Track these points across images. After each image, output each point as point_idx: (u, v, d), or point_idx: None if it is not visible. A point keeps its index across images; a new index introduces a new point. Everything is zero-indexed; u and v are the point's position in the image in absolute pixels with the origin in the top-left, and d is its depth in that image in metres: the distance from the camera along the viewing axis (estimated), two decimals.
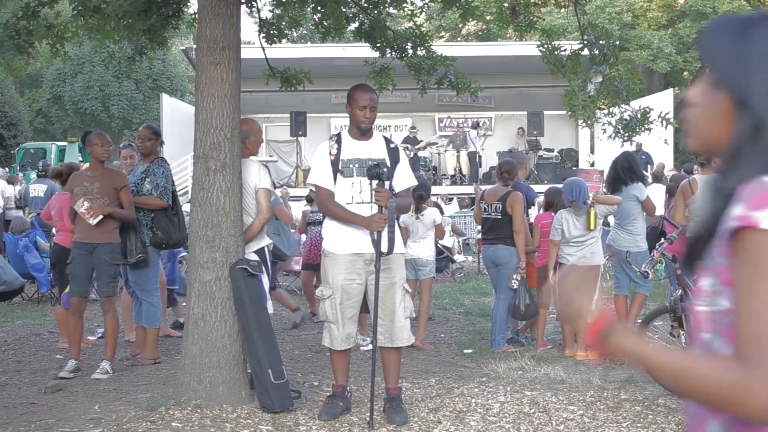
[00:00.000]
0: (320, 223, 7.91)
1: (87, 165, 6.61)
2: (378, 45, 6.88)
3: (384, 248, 4.58)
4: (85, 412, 4.91)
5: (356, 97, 4.80)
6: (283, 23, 6.96)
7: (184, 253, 7.89)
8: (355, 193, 4.71)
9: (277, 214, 7.34)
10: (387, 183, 4.66)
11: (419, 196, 7.09)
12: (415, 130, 19.46)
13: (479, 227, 7.21)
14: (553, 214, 6.88)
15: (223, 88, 4.99)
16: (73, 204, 5.93)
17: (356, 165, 4.72)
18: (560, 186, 7.65)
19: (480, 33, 31.42)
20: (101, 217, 5.80)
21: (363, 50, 7.55)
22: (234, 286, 4.95)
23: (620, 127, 6.62)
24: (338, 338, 4.75)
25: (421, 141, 18.75)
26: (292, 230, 8.69)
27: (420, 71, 6.99)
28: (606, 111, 6.87)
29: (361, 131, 4.84)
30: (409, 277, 7.09)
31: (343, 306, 4.72)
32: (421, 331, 7.01)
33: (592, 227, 6.51)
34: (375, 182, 4.58)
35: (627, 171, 6.92)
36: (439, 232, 7.56)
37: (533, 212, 8.69)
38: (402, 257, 4.85)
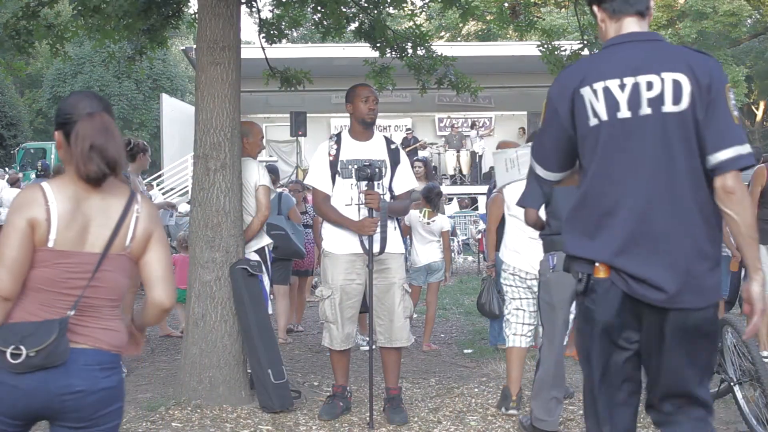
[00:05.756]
0: (310, 226, 7.93)
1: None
2: (378, 45, 6.87)
3: (375, 249, 4.57)
4: None
5: (358, 91, 4.79)
6: (283, 23, 6.95)
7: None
8: (354, 195, 4.68)
9: (290, 215, 7.36)
10: (379, 184, 4.63)
11: (430, 201, 7.10)
12: (410, 131, 19.45)
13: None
14: None
15: (223, 88, 4.99)
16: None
17: (355, 166, 4.67)
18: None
19: (480, 33, 31.38)
20: None
21: (363, 50, 7.53)
22: (234, 286, 4.95)
23: None
24: (338, 338, 4.75)
25: (421, 141, 18.72)
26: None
27: (420, 71, 6.99)
28: None
29: (366, 125, 4.80)
30: (419, 283, 7.06)
31: (343, 306, 4.72)
32: (428, 335, 7.02)
33: None
34: (364, 184, 4.57)
35: None
36: (445, 240, 7.35)
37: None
38: (401, 257, 4.83)
